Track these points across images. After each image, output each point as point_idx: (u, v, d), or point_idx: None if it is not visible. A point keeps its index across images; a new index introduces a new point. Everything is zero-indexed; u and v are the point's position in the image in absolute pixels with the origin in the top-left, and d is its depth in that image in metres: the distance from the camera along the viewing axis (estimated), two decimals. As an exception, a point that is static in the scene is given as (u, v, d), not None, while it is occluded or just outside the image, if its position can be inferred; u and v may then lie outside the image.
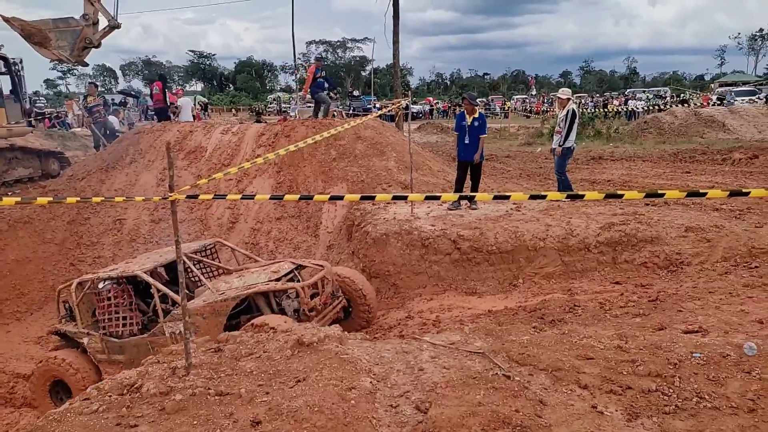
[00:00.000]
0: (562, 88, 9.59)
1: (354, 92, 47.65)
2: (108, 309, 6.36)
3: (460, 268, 7.49)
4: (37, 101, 32.37)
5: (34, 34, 11.36)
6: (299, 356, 3.77)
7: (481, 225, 7.75)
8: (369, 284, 7.28)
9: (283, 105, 43.39)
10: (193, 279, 6.90)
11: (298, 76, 30.07)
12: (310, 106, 34.19)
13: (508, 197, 3.51)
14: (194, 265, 6.97)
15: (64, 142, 17.57)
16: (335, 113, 23.13)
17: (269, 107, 45.76)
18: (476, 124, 8.41)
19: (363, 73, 75.66)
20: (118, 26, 12.17)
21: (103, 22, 11.95)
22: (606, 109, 29.21)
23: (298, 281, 6.49)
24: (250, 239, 10.33)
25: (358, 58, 77.30)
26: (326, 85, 13.82)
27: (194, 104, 30.85)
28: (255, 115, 26.21)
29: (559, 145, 8.77)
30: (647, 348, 3.62)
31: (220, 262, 7.79)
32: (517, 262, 7.29)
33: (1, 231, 9.57)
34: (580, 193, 3.58)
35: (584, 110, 26.20)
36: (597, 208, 8.12)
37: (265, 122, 15.13)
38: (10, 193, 11.14)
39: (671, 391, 3.08)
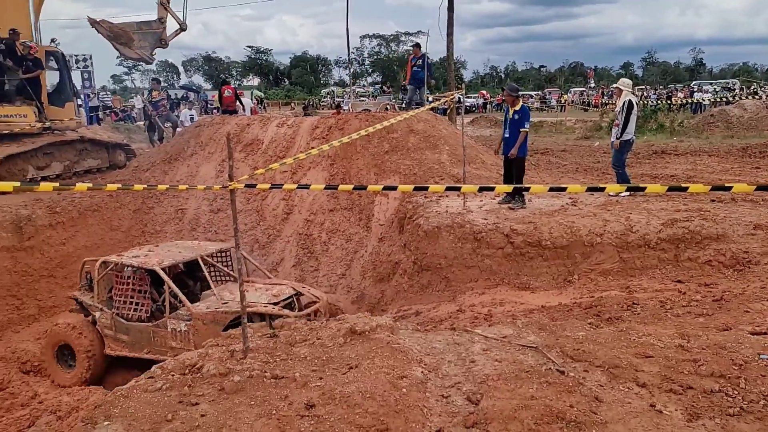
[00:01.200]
0: (622, 79, 9.24)
1: (407, 85, 47.58)
2: (124, 292, 6.89)
3: (513, 263, 7.39)
4: (105, 96, 33.98)
5: (120, 36, 12.58)
6: (351, 344, 3.83)
7: (535, 219, 7.61)
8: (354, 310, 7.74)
9: (337, 99, 43.86)
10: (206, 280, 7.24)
11: (351, 70, 30.23)
12: (363, 100, 34.42)
13: (564, 189, 3.44)
14: (208, 267, 7.36)
15: (130, 134, 18.38)
16: (387, 106, 23.18)
17: (323, 101, 46.33)
18: (516, 117, 8.13)
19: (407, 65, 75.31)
20: (185, 29, 13.32)
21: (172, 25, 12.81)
22: (670, 102, 28.00)
23: (295, 307, 6.88)
24: (304, 230, 10.54)
25: (410, 52, 77.12)
26: (423, 74, 13.32)
27: (251, 99, 31.65)
28: (303, 110, 26.64)
29: (617, 138, 8.41)
30: (710, 348, 3.48)
31: (231, 267, 8.09)
32: (573, 257, 7.12)
33: (73, 218, 10.15)
34: (641, 185, 3.47)
35: (646, 103, 25.20)
36: (659, 204, 7.82)
37: (314, 115, 15.35)
38: (100, 179, 11.85)
39: (736, 392, 2.95)
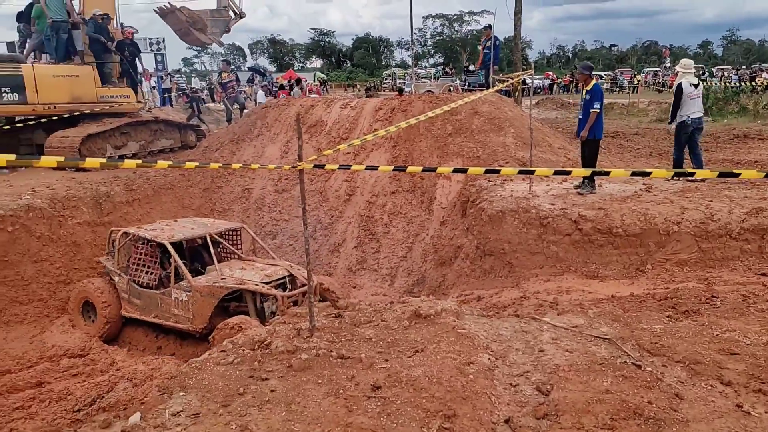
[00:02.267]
0: (683, 59, 8.80)
1: (470, 67, 46.63)
2: (138, 261, 7.56)
3: (581, 250, 7.13)
4: (180, 78, 35.24)
5: (197, 22, 13.48)
6: (416, 327, 3.81)
7: (606, 206, 7.30)
8: (346, 293, 8.26)
9: (399, 81, 43.60)
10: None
11: (413, 51, 29.97)
12: (424, 81, 34.04)
13: (648, 173, 3.24)
14: (215, 245, 7.89)
15: (200, 116, 18.99)
16: (450, 88, 22.83)
17: (384, 83, 46.18)
18: (588, 97, 7.77)
19: (479, 47, 73.75)
20: (244, 16, 14.48)
21: None
22: (753, 83, 26.10)
23: (287, 288, 7.26)
24: (366, 212, 10.58)
25: (474, 32, 75.40)
26: (490, 56, 13.10)
27: (314, 80, 31.94)
28: (365, 92, 26.65)
29: (668, 122, 8.12)
30: (805, 348, 3.23)
31: (240, 246, 8.59)
32: (646, 246, 6.79)
33: (148, 196, 10.62)
34: (689, 170, 3.23)
35: (727, 84, 23.60)
36: (742, 192, 7.33)
37: (375, 97, 15.39)
38: (172, 158, 12.43)
39: (835, 397, 2.72)
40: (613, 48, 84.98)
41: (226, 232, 8.38)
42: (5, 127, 10.78)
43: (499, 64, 14.28)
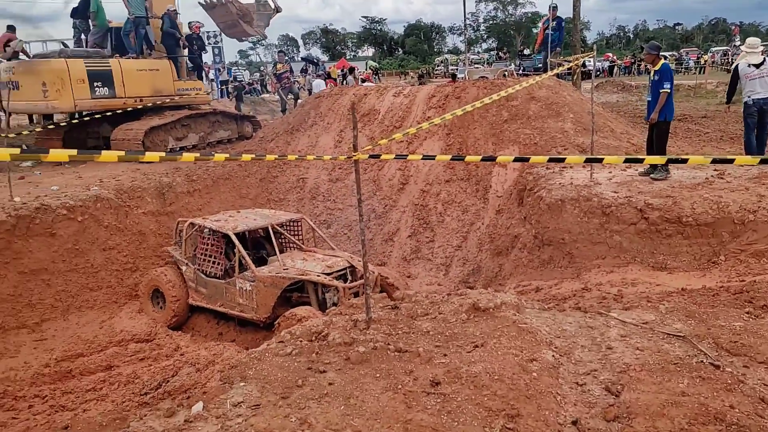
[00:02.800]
0: (750, 38, 8.38)
1: (524, 51, 45.38)
2: (205, 250, 7.76)
3: (647, 240, 6.79)
4: (237, 71, 36.01)
5: (246, 14, 13.96)
6: (475, 321, 3.71)
7: (675, 193, 6.92)
8: (405, 283, 8.20)
9: (451, 67, 42.97)
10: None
11: (466, 36, 29.39)
12: (477, 67, 33.36)
13: (731, 161, 2.99)
14: (276, 236, 8.05)
15: (255, 107, 19.36)
16: (505, 73, 22.27)
17: (436, 70, 45.63)
18: (656, 77, 7.39)
19: (534, 30, 71.62)
20: (280, 11, 14.95)
21: None
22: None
23: (347, 280, 7.27)
24: (420, 201, 10.49)
25: (529, 14, 73.29)
26: (555, 39, 12.81)
27: (366, 69, 31.92)
28: (418, 79, 26.36)
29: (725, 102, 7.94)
30: None
31: (302, 237, 8.72)
32: (719, 236, 6.39)
33: (208, 186, 10.90)
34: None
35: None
36: (828, 178, 6.78)
37: (428, 84, 15.25)
38: (213, 153, 12.63)
39: None
40: (677, 27, 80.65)
41: (287, 223, 8.50)
42: (74, 121, 11.27)
43: (561, 50, 13.84)
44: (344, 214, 10.84)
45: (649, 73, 7.75)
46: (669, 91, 7.27)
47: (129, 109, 11.40)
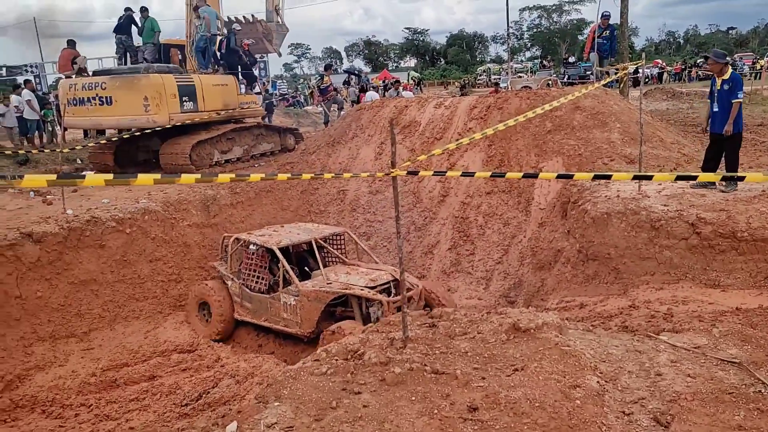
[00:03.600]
0: None
1: (569, 59, 44.60)
2: (250, 265, 7.79)
3: (699, 256, 6.48)
4: (282, 84, 36.73)
5: (268, 33, 14.58)
6: (515, 342, 3.59)
7: (729, 207, 6.58)
8: (450, 297, 8.03)
9: (494, 76, 42.58)
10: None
11: (509, 45, 29.10)
12: (520, 76, 32.91)
13: (741, 179, 2.79)
14: (319, 249, 8.01)
15: (298, 119, 19.63)
16: (549, 82, 21.90)
17: (479, 79, 45.32)
18: (726, 87, 7.06)
19: (580, 38, 70.38)
20: (288, 30, 15.59)
21: None
22: None
23: (391, 293, 7.15)
24: (460, 213, 10.36)
25: (574, 21, 72.07)
26: (608, 46, 12.53)
27: (408, 80, 32.00)
28: (460, 89, 26.18)
29: None
30: None
31: (344, 250, 8.67)
32: (777, 252, 6.04)
33: (250, 198, 11.08)
34: None
35: None
36: None
37: (470, 94, 15.14)
38: (256, 165, 12.95)
39: None
40: (730, 31, 77.72)
41: (330, 237, 8.50)
42: (125, 136, 11.68)
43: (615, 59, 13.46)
44: (384, 226, 10.81)
45: (712, 81, 7.42)
46: (741, 100, 7.01)
47: (209, 120, 12.01)
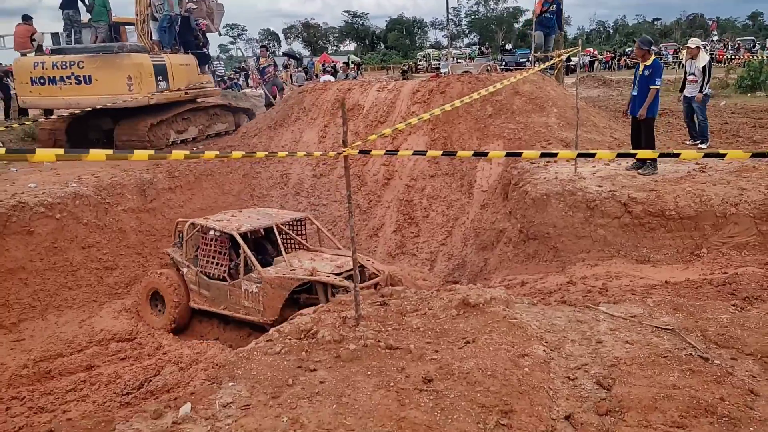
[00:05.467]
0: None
1: (506, 46, 45.58)
2: (207, 252, 7.47)
3: (631, 234, 6.86)
4: (218, 65, 35.51)
5: (211, 13, 14.46)
6: (465, 316, 3.69)
7: (658, 187, 6.98)
8: (417, 284, 7.84)
9: (433, 62, 42.93)
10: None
11: (449, 31, 29.35)
12: (460, 62, 33.32)
13: (676, 155, 3.00)
14: (281, 235, 7.83)
15: (237, 102, 19.09)
16: (489, 68, 22.33)
17: (419, 65, 45.57)
18: (646, 73, 7.45)
19: (516, 25, 71.99)
20: (224, 11, 15.46)
21: None
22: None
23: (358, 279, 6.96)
24: (404, 196, 10.46)
25: (511, 9, 73.63)
26: (554, 21, 12.32)
27: (348, 64, 31.75)
28: (401, 74, 26.25)
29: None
30: None
31: (305, 236, 8.48)
32: (701, 229, 6.48)
33: (189, 182, 10.73)
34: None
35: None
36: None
37: (411, 79, 15.28)
38: (212, 144, 12.79)
39: None
40: (656, 22, 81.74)
41: (292, 222, 8.27)
42: (77, 113, 11.41)
43: (564, 34, 13.26)
44: (328, 210, 10.77)
45: (635, 68, 7.80)
46: (659, 87, 7.36)
47: (182, 100, 12.20)
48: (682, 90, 10.29)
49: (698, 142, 10.07)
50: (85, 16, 12.78)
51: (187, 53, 12.90)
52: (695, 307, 3.66)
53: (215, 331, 7.70)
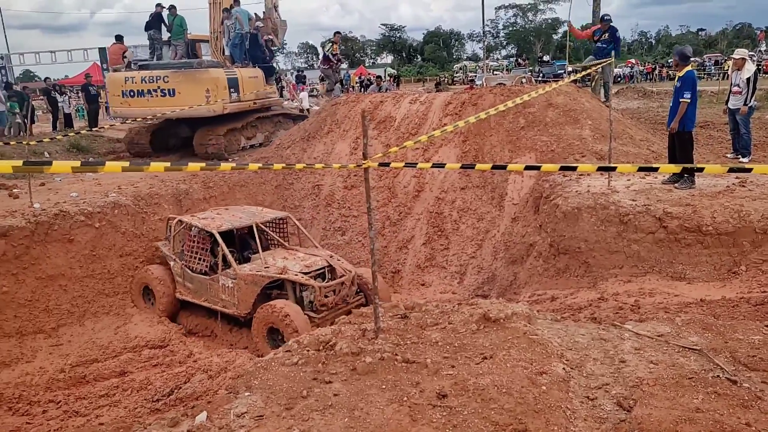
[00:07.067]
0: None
1: (544, 57, 45.13)
2: (191, 247, 8.04)
3: (666, 249, 6.66)
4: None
5: (275, 28, 15.48)
6: (485, 331, 3.64)
7: (695, 201, 6.77)
8: (385, 286, 8.40)
9: (470, 74, 42.85)
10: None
11: (485, 43, 29.35)
12: (496, 74, 33.15)
13: (700, 170, 2.90)
14: (261, 234, 8.29)
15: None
16: (523, 80, 22.14)
17: (455, 77, 45.55)
18: (678, 84, 7.26)
19: (555, 37, 71.22)
20: (287, 27, 16.49)
21: None
22: None
23: (325, 279, 7.57)
24: (435, 208, 10.43)
25: (549, 21, 72.88)
26: (610, 49, 11.12)
27: (384, 77, 32.02)
28: (435, 86, 26.30)
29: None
30: None
31: (286, 235, 8.97)
32: (740, 246, 6.24)
33: (223, 192, 10.97)
34: None
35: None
36: None
37: (445, 91, 15.38)
38: (247, 156, 13.43)
39: None
40: (700, 32, 79.53)
41: (273, 221, 8.74)
42: (156, 121, 12.74)
43: (576, 54, 13.30)
44: (359, 221, 10.81)
45: (673, 79, 7.62)
46: (689, 101, 7.11)
47: (251, 109, 13.49)
48: (727, 102, 10.00)
49: (740, 155, 9.72)
50: (165, 35, 14.35)
51: (255, 67, 13.98)
52: (726, 327, 3.52)
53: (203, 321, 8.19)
